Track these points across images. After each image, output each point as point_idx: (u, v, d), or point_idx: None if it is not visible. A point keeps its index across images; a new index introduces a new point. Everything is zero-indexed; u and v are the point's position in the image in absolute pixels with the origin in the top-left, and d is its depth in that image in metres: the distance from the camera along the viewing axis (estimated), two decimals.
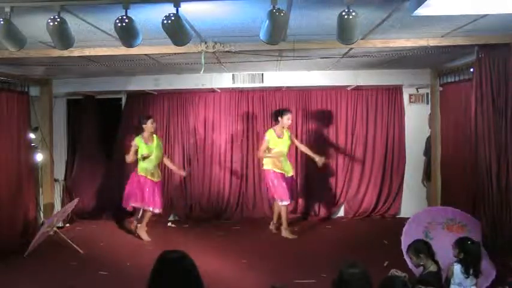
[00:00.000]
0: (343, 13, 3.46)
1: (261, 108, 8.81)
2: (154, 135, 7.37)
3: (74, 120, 9.01)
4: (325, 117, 8.72)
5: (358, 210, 8.68)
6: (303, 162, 8.56)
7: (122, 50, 5.03)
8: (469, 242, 4.36)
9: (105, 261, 6.23)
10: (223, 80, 8.10)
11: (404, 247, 4.97)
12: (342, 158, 8.72)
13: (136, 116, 8.78)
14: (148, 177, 7.17)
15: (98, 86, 8.22)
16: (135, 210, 7.61)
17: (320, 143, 8.67)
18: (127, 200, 7.21)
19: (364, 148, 8.68)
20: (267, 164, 7.38)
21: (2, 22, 3.61)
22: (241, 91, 8.71)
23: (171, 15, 3.51)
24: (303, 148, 7.76)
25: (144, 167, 7.17)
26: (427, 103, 8.27)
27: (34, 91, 7.69)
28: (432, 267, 4.30)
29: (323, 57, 6.33)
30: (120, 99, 8.97)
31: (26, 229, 7.07)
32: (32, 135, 7.54)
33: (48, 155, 7.98)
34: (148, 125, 7.22)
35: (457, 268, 4.26)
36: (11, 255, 6.38)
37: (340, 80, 8.05)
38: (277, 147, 7.30)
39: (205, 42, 5.22)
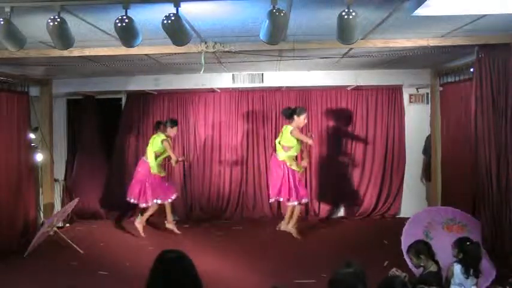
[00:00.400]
0: (343, 13, 3.46)
1: (261, 108, 8.81)
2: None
3: (74, 120, 9.01)
4: (325, 118, 8.72)
5: (358, 210, 8.68)
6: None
7: (122, 50, 5.02)
8: (467, 243, 4.37)
9: (105, 261, 6.23)
10: (223, 80, 8.10)
11: (404, 247, 4.97)
12: (342, 158, 8.71)
13: (137, 115, 8.83)
14: (161, 174, 7.59)
15: (98, 86, 8.22)
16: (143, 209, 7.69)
17: (320, 144, 8.68)
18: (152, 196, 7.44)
19: (364, 148, 8.68)
20: (292, 163, 7.18)
21: (2, 22, 3.61)
22: (241, 91, 8.71)
23: (171, 15, 3.51)
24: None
25: (159, 166, 7.53)
26: (427, 103, 8.27)
27: (34, 91, 7.69)
28: (432, 268, 4.31)
29: (323, 57, 6.32)
30: (120, 99, 8.97)
31: (26, 229, 7.07)
32: (32, 135, 7.54)
33: (48, 155, 7.98)
34: (174, 130, 7.57)
35: (457, 268, 4.27)
36: (11, 255, 6.39)
37: (340, 80, 8.05)
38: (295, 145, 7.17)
39: (205, 42, 5.22)
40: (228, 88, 8.42)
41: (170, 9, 3.51)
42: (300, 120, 7.14)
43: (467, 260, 4.25)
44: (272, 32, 3.63)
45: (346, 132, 8.71)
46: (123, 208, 8.49)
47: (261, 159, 8.75)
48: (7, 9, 3.57)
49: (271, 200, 7.51)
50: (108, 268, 5.94)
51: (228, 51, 5.34)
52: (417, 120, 8.45)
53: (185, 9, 3.67)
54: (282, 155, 7.13)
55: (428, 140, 8.04)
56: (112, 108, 9.05)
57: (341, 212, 8.82)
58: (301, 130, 7.41)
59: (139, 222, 7.55)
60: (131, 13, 3.56)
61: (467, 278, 4.22)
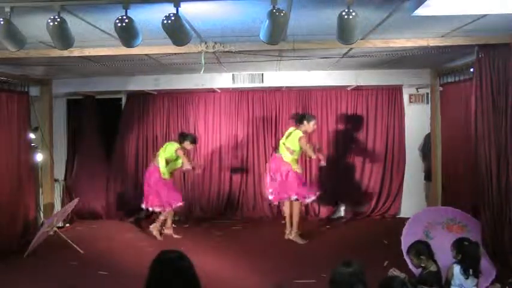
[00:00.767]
0: (343, 13, 3.46)
1: (261, 109, 8.81)
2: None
3: (74, 120, 9.01)
4: (325, 118, 8.72)
5: (358, 210, 8.68)
6: (302, 162, 8.54)
7: (122, 50, 5.01)
8: (466, 243, 4.36)
9: (104, 261, 6.23)
10: (223, 80, 8.10)
11: (404, 247, 4.97)
12: (342, 158, 8.71)
13: (137, 115, 8.83)
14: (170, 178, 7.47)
15: (98, 86, 8.22)
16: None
17: (320, 143, 8.68)
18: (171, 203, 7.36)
19: (364, 148, 8.68)
20: (295, 166, 7.11)
21: (2, 22, 3.61)
22: (241, 91, 8.71)
23: (171, 15, 3.51)
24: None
25: (169, 173, 7.42)
26: (427, 103, 8.27)
27: (34, 91, 7.68)
28: (432, 267, 4.31)
29: (323, 57, 6.33)
30: (120, 99, 8.98)
31: (26, 229, 7.07)
32: (32, 135, 7.54)
33: (48, 155, 7.97)
34: (191, 146, 7.51)
35: (457, 269, 4.26)
36: (11, 255, 6.39)
37: (340, 80, 8.05)
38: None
39: (205, 43, 5.22)
40: (228, 88, 8.42)
41: (170, 9, 3.51)
42: (309, 126, 7.05)
43: (466, 260, 4.25)
44: (272, 32, 3.63)
45: (346, 132, 8.71)
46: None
47: (261, 159, 8.75)
48: (7, 9, 3.57)
49: (276, 203, 7.44)
50: (108, 268, 5.94)
51: (228, 51, 5.34)
52: (417, 120, 8.45)
53: (185, 9, 3.67)
54: (287, 156, 7.10)
55: (428, 138, 8.06)
56: (112, 108, 9.05)
57: (341, 212, 8.83)
58: (309, 136, 7.42)
59: (168, 227, 7.55)
60: (131, 13, 3.56)
61: (467, 278, 4.21)
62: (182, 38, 3.84)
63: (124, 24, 3.53)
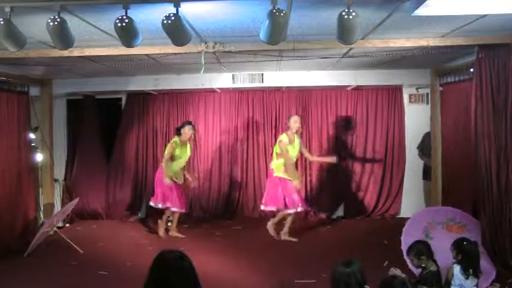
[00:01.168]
0: (343, 13, 3.46)
1: (261, 109, 8.81)
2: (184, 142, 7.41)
3: (74, 120, 9.00)
4: (325, 118, 8.72)
5: (358, 210, 8.68)
6: (302, 162, 8.54)
7: (122, 50, 5.02)
8: (465, 243, 4.35)
9: (105, 261, 6.22)
10: (223, 80, 8.10)
11: (404, 247, 4.97)
12: (342, 157, 8.71)
13: (137, 115, 8.84)
14: (174, 179, 7.33)
15: (98, 86, 8.22)
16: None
17: (320, 143, 8.69)
18: (162, 200, 7.35)
19: (364, 148, 8.68)
20: (278, 172, 7.08)
21: (2, 22, 3.61)
22: (241, 91, 8.71)
23: (171, 15, 3.52)
24: (315, 158, 7.78)
25: (173, 169, 7.32)
26: (427, 103, 8.27)
27: (34, 91, 7.68)
28: (432, 267, 4.30)
29: (323, 57, 6.32)
30: (120, 99, 8.98)
31: (26, 229, 7.07)
32: (32, 135, 7.54)
33: (48, 155, 7.97)
34: (186, 130, 7.31)
35: (457, 269, 4.25)
36: (11, 255, 6.38)
37: (340, 80, 8.05)
38: (288, 153, 7.01)
39: (205, 43, 5.22)
40: (228, 88, 8.42)
41: (170, 9, 3.52)
42: (291, 123, 7.04)
43: (466, 260, 4.24)
44: (272, 32, 3.64)
45: (346, 132, 8.71)
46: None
47: (261, 159, 8.75)
48: (7, 9, 3.58)
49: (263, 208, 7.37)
50: (107, 268, 5.93)
51: (228, 51, 5.34)
52: (417, 120, 8.45)
53: (185, 9, 3.68)
54: (272, 162, 7.21)
55: (426, 137, 8.07)
56: (112, 108, 9.05)
57: (341, 212, 8.82)
58: (301, 134, 7.42)
59: (173, 228, 7.55)
60: (131, 13, 3.57)
61: (467, 278, 4.21)
62: (182, 38, 3.85)
63: (124, 24, 3.54)
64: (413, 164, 8.57)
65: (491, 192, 5.28)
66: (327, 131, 8.72)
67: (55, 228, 6.89)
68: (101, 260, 6.29)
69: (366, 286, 2.99)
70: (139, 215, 8.74)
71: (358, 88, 8.48)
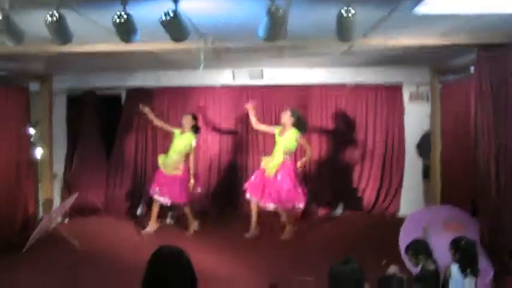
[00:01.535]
0: (342, 11, 3.46)
1: (261, 105, 8.77)
2: (188, 132, 7.47)
3: (73, 116, 8.99)
4: (325, 115, 8.72)
5: (357, 208, 8.67)
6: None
7: (121, 46, 4.98)
8: (463, 242, 4.36)
9: (103, 257, 6.24)
10: (223, 76, 8.10)
11: (402, 245, 4.97)
12: (341, 155, 8.71)
13: (136, 111, 8.82)
14: (161, 168, 7.53)
15: (98, 82, 8.23)
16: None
17: (319, 141, 8.68)
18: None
19: (364, 146, 8.67)
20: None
21: (0, 17, 3.61)
22: (241, 88, 8.69)
23: (170, 11, 3.51)
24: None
25: (163, 158, 7.56)
26: (427, 101, 8.25)
27: (34, 86, 7.68)
28: (431, 266, 4.30)
29: (323, 55, 6.32)
30: (120, 94, 8.97)
31: (25, 224, 7.07)
32: (31, 131, 7.54)
33: (47, 151, 7.97)
34: (184, 121, 7.48)
35: (455, 269, 4.26)
36: (10, 250, 6.39)
37: (340, 78, 8.06)
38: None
39: (205, 39, 5.21)
40: (228, 85, 8.41)
41: (169, 5, 3.51)
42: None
43: (464, 259, 4.25)
44: (270, 29, 3.64)
45: (346, 130, 8.70)
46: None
47: (261, 156, 8.73)
48: (6, 5, 3.57)
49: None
50: (106, 263, 5.95)
51: (228, 48, 5.33)
52: (417, 119, 8.43)
53: (184, 5, 3.67)
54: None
55: (425, 135, 8.07)
56: (112, 103, 9.04)
57: (340, 210, 8.81)
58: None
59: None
60: (130, 9, 3.56)
61: (465, 277, 4.22)
62: (181, 34, 3.85)
63: (122, 19, 3.54)
64: (413, 162, 8.56)
65: (490, 191, 5.28)
66: (326, 129, 8.71)
67: (54, 224, 6.89)
68: (100, 255, 6.31)
69: (364, 284, 3.00)
70: (139, 211, 8.75)
71: (358, 86, 8.47)
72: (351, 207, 8.71)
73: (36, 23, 4.15)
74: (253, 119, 7.49)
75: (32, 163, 7.56)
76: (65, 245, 6.65)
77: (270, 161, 7.28)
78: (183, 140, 7.41)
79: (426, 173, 8.15)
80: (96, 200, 8.68)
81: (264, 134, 8.56)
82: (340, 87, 8.58)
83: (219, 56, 6.34)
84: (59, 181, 8.54)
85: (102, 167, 8.79)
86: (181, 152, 7.44)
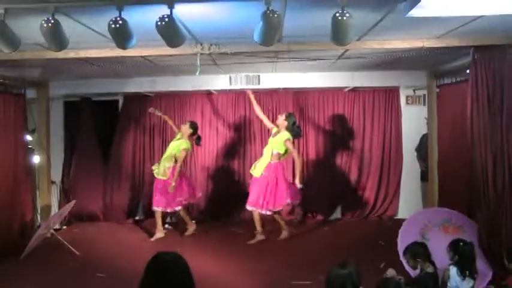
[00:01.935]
0: (337, 14, 3.46)
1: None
2: (181, 136, 7.53)
3: (71, 122, 8.98)
4: (322, 119, 8.72)
5: (356, 211, 8.68)
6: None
7: (117, 52, 4.99)
8: (461, 243, 4.36)
9: (101, 263, 6.22)
10: (219, 81, 8.09)
11: (400, 248, 4.97)
12: (339, 159, 8.72)
13: (134, 117, 8.84)
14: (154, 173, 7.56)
15: (95, 88, 8.22)
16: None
17: (317, 145, 8.69)
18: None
19: (361, 150, 8.69)
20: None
21: None
22: (238, 93, 8.70)
23: (165, 16, 3.52)
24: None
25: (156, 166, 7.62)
26: (424, 104, 8.26)
27: (31, 93, 7.66)
28: (429, 268, 4.30)
29: (319, 59, 6.32)
30: (117, 101, 8.97)
31: (22, 231, 7.05)
32: (29, 137, 7.52)
33: (45, 157, 7.96)
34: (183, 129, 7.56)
35: (453, 271, 4.26)
36: (8, 257, 6.37)
37: (336, 82, 8.06)
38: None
39: (201, 44, 5.21)
40: (225, 90, 8.41)
41: (164, 10, 3.51)
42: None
43: (462, 261, 4.25)
44: (266, 33, 3.64)
45: (343, 133, 8.71)
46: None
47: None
48: (1, 11, 3.57)
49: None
50: (105, 270, 5.93)
51: (224, 53, 5.33)
52: (414, 122, 8.45)
53: (180, 11, 3.68)
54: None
55: (423, 139, 8.07)
56: (109, 110, 9.04)
57: (338, 214, 8.81)
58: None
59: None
60: (125, 15, 3.56)
61: (463, 279, 4.21)
62: (176, 39, 3.85)
63: (118, 25, 3.53)
64: (410, 165, 8.57)
65: (488, 193, 5.28)
66: (324, 133, 8.71)
67: (52, 230, 6.88)
68: (98, 262, 6.30)
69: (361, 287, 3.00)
70: (138, 217, 8.73)
71: (355, 90, 8.49)
72: (349, 210, 8.71)
73: (31, 29, 4.15)
74: (254, 103, 7.44)
75: (30, 170, 7.54)
76: (63, 252, 6.63)
77: (258, 162, 7.29)
78: (176, 144, 7.44)
79: (424, 176, 8.15)
80: (94, 206, 8.67)
81: (262, 139, 8.60)
82: (337, 91, 8.60)
83: (215, 61, 6.35)
84: (56, 187, 8.51)
85: (99, 172, 8.78)
86: (171, 156, 7.45)
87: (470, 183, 5.73)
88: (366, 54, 6.04)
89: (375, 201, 8.66)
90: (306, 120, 8.72)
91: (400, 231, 5.48)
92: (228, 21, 4.31)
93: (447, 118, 7.12)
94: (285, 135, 7.07)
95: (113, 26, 3.54)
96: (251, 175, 7.35)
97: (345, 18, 3.44)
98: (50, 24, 3.55)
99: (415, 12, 3.73)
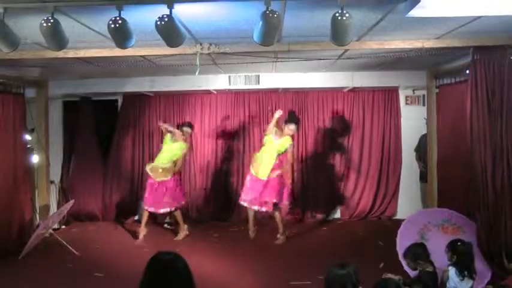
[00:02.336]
0: (337, 14, 3.46)
1: (257, 110, 8.80)
2: (179, 139, 7.45)
3: (70, 122, 8.97)
4: (322, 119, 8.72)
5: (355, 212, 8.69)
6: (299, 164, 8.55)
7: (117, 51, 4.98)
8: (459, 244, 4.36)
9: (100, 263, 6.22)
10: (219, 81, 8.09)
11: (399, 249, 4.97)
12: (338, 159, 8.72)
13: (133, 117, 8.83)
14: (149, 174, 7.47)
15: (94, 88, 8.20)
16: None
17: (316, 145, 8.69)
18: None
19: (361, 150, 8.69)
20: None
21: None
22: (237, 93, 8.70)
23: (164, 16, 3.51)
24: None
25: (153, 163, 7.53)
26: (424, 105, 8.26)
27: (30, 93, 7.66)
28: (428, 268, 4.31)
29: (319, 59, 6.32)
30: (117, 100, 8.96)
31: (21, 231, 7.04)
32: (28, 137, 7.52)
33: (44, 157, 7.95)
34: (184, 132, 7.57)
35: (452, 271, 4.26)
36: (7, 257, 6.37)
37: (336, 82, 8.05)
38: (265, 146, 7.23)
39: (201, 44, 5.21)
40: (225, 90, 8.41)
41: (164, 10, 3.51)
42: (285, 128, 7.25)
43: (460, 261, 4.25)
44: (265, 33, 3.64)
45: (342, 133, 8.71)
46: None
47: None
48: (0, 10, 3.56)
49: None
50: (103, 270, 5.93)
51: (223, 53, 5.33)
52: (413, 122, 8.45)
53: (180, 10, 3.68)
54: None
55: (423, 139, 8.07)
56: (108, 109, 9.03)
57: (337, 214, 8.82)
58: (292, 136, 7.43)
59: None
60: (125, 14, 3.56)
61: (462, 279, 4.21)
62: (176, 39, 3.84)
63: (117, 25, 3.53)
64: (409, 165, 8.58)
65: (487, 194, 5.28)
66: (323, 133, 8.71)
67: (51, 230, 6.87)
68: (97, 262, 6.29)
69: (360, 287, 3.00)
70: (137, 216, 8.72)
71: (354, 90, 8.49)
72: (348, 210, 8.71)
73: (31, 28, 4.15)
74: (273, 122, 7.26)
75: (29, 169, 7.53)
76: (61, 252, 6.63)
77: (261, 164, 7.21)
78: (174, 147, 7.42)
79: (423, 176, 8.15)
80: (93, 206, 8.66)
81: (262, 140, 8.58)
82: (336, 91, 8.60)
83: (215, 61, 6.34)
84: (55, 187, 8.50)
85: (99, 172, 8.78)
86: (171, 159, 7.44)
87: (469, 183, 5.72)
88: (365, 54, 6.03)
89: (374, 201, 8.67)
90: (305, 120, 8.71)
91: (399, 231, 5.48)
92: (227, 21, 4.31)
93: (446, 118, 7.12)
94: (289, 140, 7.13)
95: (113, 25, 3.54)
96: (252, 176, 7.26)
97: (344, 18, 3.44)
98: (49, 24, 3.54)
99: (415, 12, 3.73)
